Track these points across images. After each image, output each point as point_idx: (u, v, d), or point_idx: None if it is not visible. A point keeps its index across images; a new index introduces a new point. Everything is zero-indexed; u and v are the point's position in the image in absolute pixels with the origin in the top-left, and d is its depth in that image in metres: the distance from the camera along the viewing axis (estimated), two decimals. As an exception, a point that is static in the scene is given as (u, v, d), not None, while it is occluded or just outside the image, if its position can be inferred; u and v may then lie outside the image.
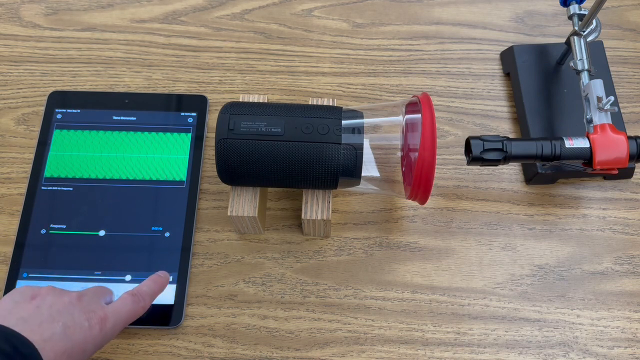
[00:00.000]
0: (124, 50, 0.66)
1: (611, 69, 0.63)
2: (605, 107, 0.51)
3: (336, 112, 0.50)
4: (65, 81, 0.65)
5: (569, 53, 0.60)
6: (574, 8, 0.58)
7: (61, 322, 0.42)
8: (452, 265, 0.56)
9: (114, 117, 0.61)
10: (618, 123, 0.58)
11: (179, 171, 0.59)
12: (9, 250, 0.56)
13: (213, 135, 0.61)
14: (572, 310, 0.54)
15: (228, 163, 0.49)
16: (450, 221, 0.58)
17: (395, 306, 0.54)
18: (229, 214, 0.52)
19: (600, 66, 0.62)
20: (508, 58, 0.65)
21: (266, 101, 0.55)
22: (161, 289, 0.51)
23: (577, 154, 0.51)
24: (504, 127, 0.63)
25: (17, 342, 0.39)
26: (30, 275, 0.54)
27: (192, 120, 0.61)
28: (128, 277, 0.54)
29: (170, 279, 0.54)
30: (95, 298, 0.47)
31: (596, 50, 0.63)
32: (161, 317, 0.53)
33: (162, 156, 0.59)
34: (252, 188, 0.52)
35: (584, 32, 0.56)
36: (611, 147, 0.51)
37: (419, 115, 0.48)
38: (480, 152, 0.51)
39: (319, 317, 0.54)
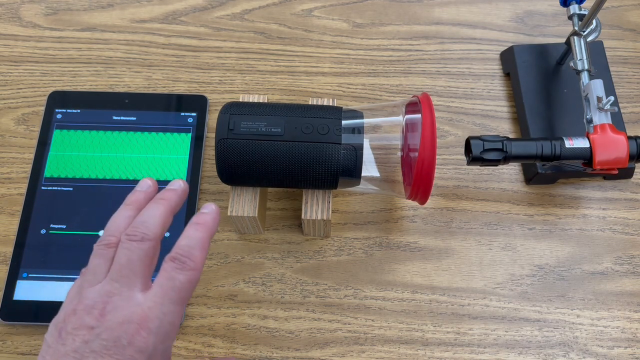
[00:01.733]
0: (124, 50, 0.66)
1: (611, 69, 0.63)
2: (605, 107, 0.51)
3: (336, 112, 0.50)
4: (65, 81, 0.65)
5: (569, 53, 0.60)
6: (574, 8, 0.58)
7: None
8: (452, 265, 0.56)
9: (114, 117, 0.61)
10: (618, 123, 0.58)
11: (179, 171, 0.59)
12: (9, 250, 0.56)
13: (213, 135, 0.61)
14: (572, 310, 0.54)
15: (228, 163, 0.49)
16: (450, 221, 0.58)
17: (395, 306, 0.54)
18: (229, 214, 0.52)
19: (600, 66, 0.62)
20: (508, 58, 0.65)
21: (266, 101, 0.55)
22: (210, 230, 0.38)
23: (577, 154, 0.51)
24: (504, 127, 0.63)
25: None
26: (30, 275, 0.54)
27: (192, 120, 0.61)
28: (128, 277, 0.54)
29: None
30: (125, 295, 0.34)
31: (596, 50, 0.63)
32: (161, 317, 0.53)
33: (162, 156, 0.59)
34: (252, 188, 0.52)
35: (584, 32, 0.56)
36: (611, 147, 0.51)
37: (419, 115, 0.48)
38: (480, 152, 0.51)
39: (319, 317, 0.54)
